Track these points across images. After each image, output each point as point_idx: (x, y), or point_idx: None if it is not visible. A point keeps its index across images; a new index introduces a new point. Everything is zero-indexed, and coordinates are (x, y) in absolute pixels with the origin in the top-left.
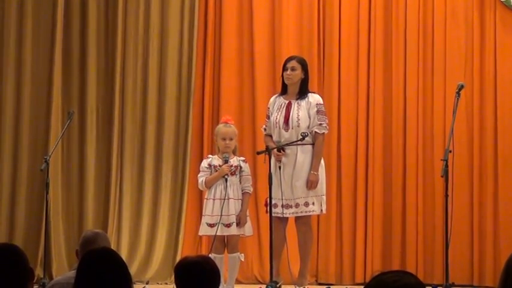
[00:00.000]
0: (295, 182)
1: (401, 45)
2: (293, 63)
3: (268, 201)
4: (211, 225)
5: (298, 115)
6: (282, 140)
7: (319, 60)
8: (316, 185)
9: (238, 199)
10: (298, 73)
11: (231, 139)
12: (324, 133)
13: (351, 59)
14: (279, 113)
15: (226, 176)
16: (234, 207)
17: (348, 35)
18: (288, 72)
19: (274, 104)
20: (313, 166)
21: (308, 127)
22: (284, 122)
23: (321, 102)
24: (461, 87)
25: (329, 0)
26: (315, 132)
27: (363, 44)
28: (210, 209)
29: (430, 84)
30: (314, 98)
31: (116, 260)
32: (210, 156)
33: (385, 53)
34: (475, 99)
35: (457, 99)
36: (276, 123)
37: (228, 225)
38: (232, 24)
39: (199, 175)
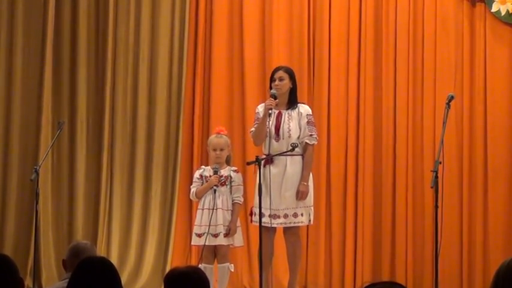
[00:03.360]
0: (285, 193)
1: (392, 56)
2: (280, 73)
3: (258, 212)
4: (199, 235)
5: (290, 126)
6: (272, 150)
7: (309, 70)
8: (306, 196)
9: (227, 209)
10: (287, 83)
11: (221, 150)
12: (313, 144)
13: (340, 69)
14: (269, 122)
15: (215, 187)
16: (222, 217)
17: (338, 44)
18: (277, 82)
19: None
20: (304, 177)
21: (298, 138)
22: (275, 132)
23: (311, 113)
24: (451, 99)
25: (319, 10)
26: (306, 143)
27: (353, 53)
28: (199, 219)
29: (420, 95)
30: (304, 109)
31: (111, 270)
32: (202, 167)
33: (375, 64)
34: (464, 110)
35: (447, 110)
36: (267, 132)
37: (216, 236)
38: (223, 35)
39: (191, 186)
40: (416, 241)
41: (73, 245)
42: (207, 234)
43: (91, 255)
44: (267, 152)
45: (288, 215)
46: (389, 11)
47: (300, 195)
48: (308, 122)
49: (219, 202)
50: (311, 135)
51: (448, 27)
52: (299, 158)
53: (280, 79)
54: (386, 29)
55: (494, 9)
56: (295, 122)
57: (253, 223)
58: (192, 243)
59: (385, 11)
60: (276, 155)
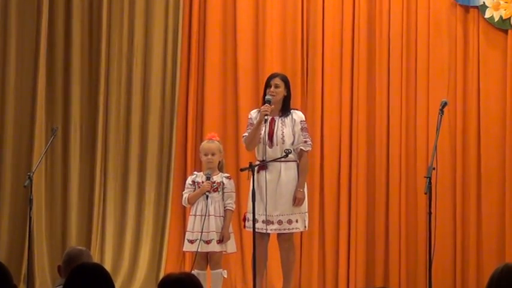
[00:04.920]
0: (279, 199)
1: (385, 61)
2: (277, 80)
3: (252, 217)
4: (191, 242)
5: (283, 132)
6: (266, 157)
7: (303, 76)
8: (303, 202)
9: (219, 216)
10: (282, 90)
11: (213, 154)
12: (308, 150)
13: (334, 75)
14: (263, 129)
15: (207, 193)
16: (214, 224)
17: (331, 49)
18: (272, 89)
19: (257, 118)
20: (300, 183)
21: (292, 144)
22: (268, 138)
23: (304, 119)
24: (444, 105)
25: (312, 16)
26: (301, 149)
27: (346, 59)
28: (191, 225)
29: (413, 100)
30: (298, 115)
31: (105, 276)
32: (195, 172)
33: (368, 69)
34: (458, 115)
35: (441, 116)
36: (260, 139)
37: (208, 242)
38: (216, 41)
39: (183, 192)
40: (410, 247)
41: (68, 251)
42: (200, 240)
43: (86, 261)
44: (260, 158)
45: (282, 221)
46: (382, 16)
47: (298, 201)
48: (302, 129)
49: (211, 209)
50: (306, 141)
51: (442, 32)
52: (293, 164)
53: (276, 86)
54: (380, 35)
55: (487, 15)
56: (289, 128)
57: (246, 229)
58: (184, 249)
59: (379, 17)
60: (271, 161)
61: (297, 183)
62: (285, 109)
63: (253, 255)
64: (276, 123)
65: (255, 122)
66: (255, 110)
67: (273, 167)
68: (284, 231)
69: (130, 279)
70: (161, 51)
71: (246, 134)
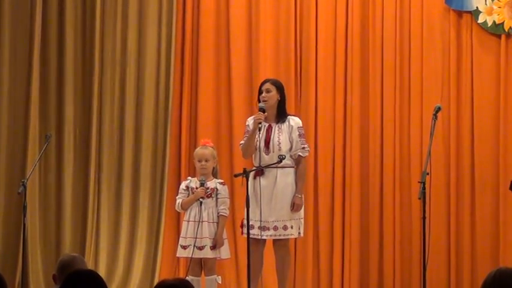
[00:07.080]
0: (275, 205)
1: (378, 66)
2: (267, 85)
3: (246, 223)
4: (184, 247)
5: (279, 139)
6: (262, 163)
7: (296, 81)
8: (301, 208)
9: (213, 222)
10: (274, 94)
11: (206, 160)
12: (306, 156)
13: (327, 82)
14: (259, 136)
15: (201, 199)
16: (207, 230)
17: (324, 55)
18: (264, 94)
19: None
20: (298, 189)
21: (290, 150)
22: (265, 145)
23: (301, 125)
24: (438, 110)
25: (306, 23)
26: (299, 155)
27: (340, 65)
28: (185, 231)
29: (407, 105)
30: (295, 121)
31: (99, 283)
32: (189, 178)
33: (361, 74)
34: (451, 120)
35: (434, 121)
36: (257, 146)
37: (201, 248)
38: (209, 47)
39: (177, 197)
40: (404, 251)
41: (62, 259)
42: (193, 246)
43: (80, 267)
44: (257, 164)
45: (277, 227)
46: (375, 22)
47: (296, 207)
48: (299, 135)
49: (204, 215)
50: (303, 147)
51: (435, 37)
52: (289, 170)
53: (267, 91)
54: (373, 40)
55: (480, 20)
56: (286, 135)
57: (243, 235)
58: (177, 254)
59: (372, 22)
60: (265, 166)
61: (294, 189)
62: (280, 114)
63: (248, 261)
64: (273, 130)
65: (250, 128)
66: (251, 117)
67: (269, 172)
68: (279, 237)
69: (124, 285)
70: (155, 57)
71: (243, 141)
